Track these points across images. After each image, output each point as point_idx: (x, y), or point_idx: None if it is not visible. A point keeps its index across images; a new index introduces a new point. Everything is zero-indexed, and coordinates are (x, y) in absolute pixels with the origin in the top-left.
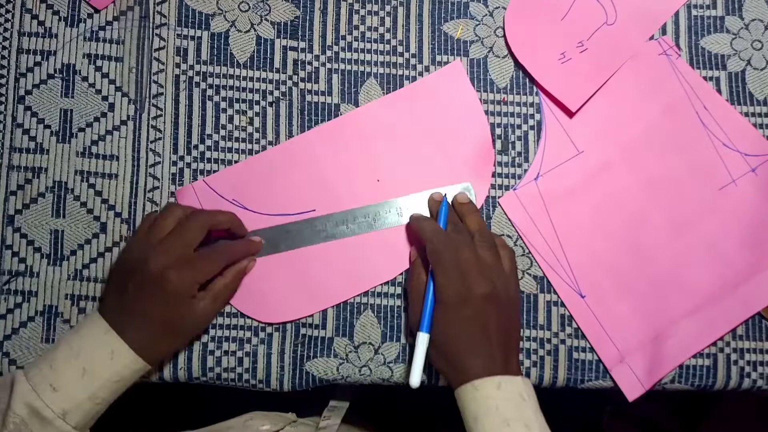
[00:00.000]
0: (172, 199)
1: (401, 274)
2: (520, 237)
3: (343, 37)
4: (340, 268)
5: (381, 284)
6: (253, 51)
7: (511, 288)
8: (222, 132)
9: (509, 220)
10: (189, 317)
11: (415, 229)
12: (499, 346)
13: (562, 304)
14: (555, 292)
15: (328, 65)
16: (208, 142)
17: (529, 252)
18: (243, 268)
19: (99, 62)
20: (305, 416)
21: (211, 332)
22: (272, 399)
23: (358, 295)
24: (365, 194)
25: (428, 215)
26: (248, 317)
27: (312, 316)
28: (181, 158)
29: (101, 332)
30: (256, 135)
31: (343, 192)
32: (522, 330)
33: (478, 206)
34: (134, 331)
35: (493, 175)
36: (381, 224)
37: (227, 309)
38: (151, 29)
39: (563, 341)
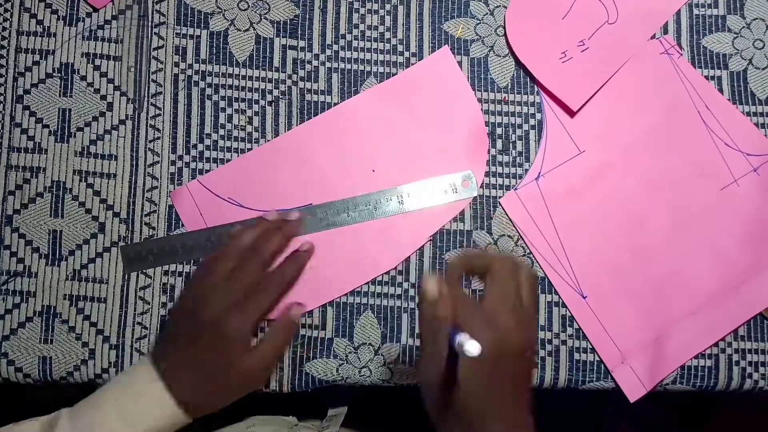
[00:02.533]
0: (169, 200)
1: (402, 263)
2: (521, 237)
3: (343, 36)
4: (341, 259)
5: (381, 285)
6: (253, 50)
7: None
8: (221, 131)
9: (510, 220)
10: (238, 372)
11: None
12: (527, 408)
13: (564, 305)
14: (556, 293)
15: (328, 64)
16: (207, 142)
17: (530, 252)
18: (292, 321)
19: (97, 61)
20: (304, 418)
21: None
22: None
23: (358, 296)
24: (361, 185)
25: (428, 208)
26: None
27: (312, 316)
28: (180, 158)
29: (149, 380)
30: (255, 134)
31: (339, 184)
32: None
33: (476, 192)
34: (184, 384)
35: (494, 175)
36: (382, 212)
37: None
38: (149, 28)
39: (564, 342)
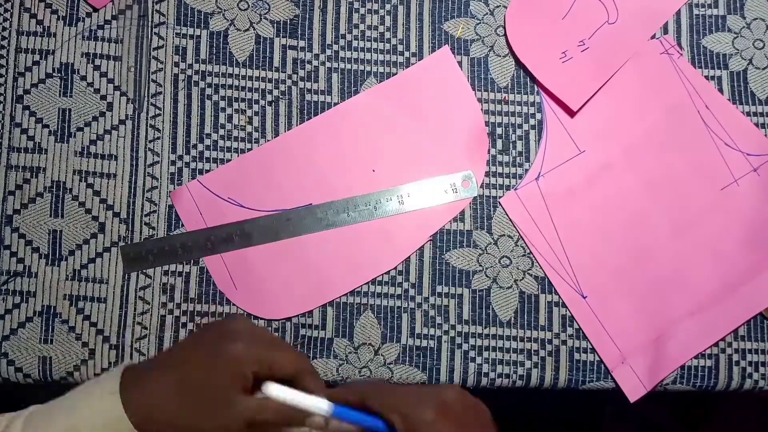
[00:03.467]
0: (169, 200)
1: (402, 263)
2: (521, 237)
3: (343, 36)
4: (341, 259)
5: (381, 285)
6: (253, 50)
7: None
8: (221, 131)
9: (510, 220)
10: (220, 407)
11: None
12: None
13: (564, 305)
14: (556, 293)
15: (328, 64)
16: (207, 142)
17: (530, 252)
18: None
19: (97, 61)
20: None
21: None
22: None
23: (358, 296)
24: (361, 185)
25: (428, 208)
26: (250, 317)
27: (312, 316)
28: (180, 158)
29: (106, 392)
30: (255, 134)
31: (338, 184)
32: (523, 330)
33: (476, 192)
34: (146, 390)
35: (494, 175)
36: (382, 212)
37: (227, 309)
38: (149, 28)
39: (564, 342)
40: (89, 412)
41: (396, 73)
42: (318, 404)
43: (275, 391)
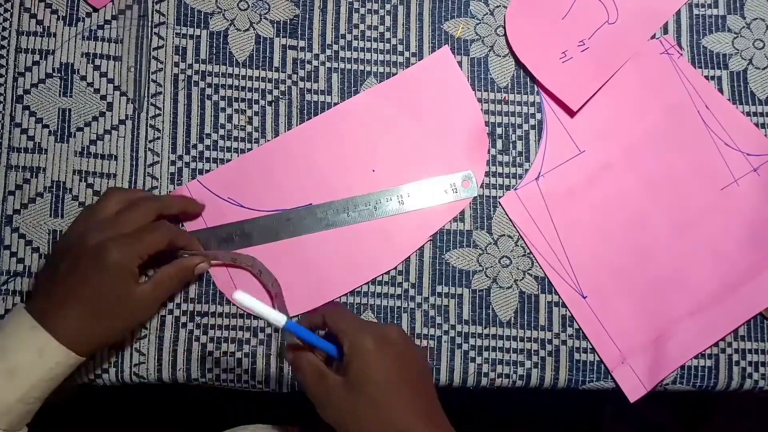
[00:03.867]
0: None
1: (402, 263)
2: (521, 237)
3: (343, 36)
4: (341, 259)
5: (381, 285)
6: (253, 50)
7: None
8: (221, 131)
9: (510, 220)
10: (126, 301)
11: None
12: (434, 401)
13: (563, 305)
14: (556, 293)
15: (328, 64)
16: (207, 142)
17: (530, 252)
18: (193, 265)
19: (97, 61)
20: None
21: (210, 333)
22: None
23: (358, 296)
24: (361, 185)
25: (428, 208)
26: (248, 317)
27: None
28: (180, 158)
29: (26, 329)
30: (255, 134)
31: (338, 184)
32: (523, 330)
33: (477, 192)
34: (64, 318)
35: (494, 175)
36: (382, 212)
37: (226, 309)
38: (149, 28)
39: (564, 342)
40: (19, 349)
41: (396, 73)
42: (276, 317)
43: (241, 298)
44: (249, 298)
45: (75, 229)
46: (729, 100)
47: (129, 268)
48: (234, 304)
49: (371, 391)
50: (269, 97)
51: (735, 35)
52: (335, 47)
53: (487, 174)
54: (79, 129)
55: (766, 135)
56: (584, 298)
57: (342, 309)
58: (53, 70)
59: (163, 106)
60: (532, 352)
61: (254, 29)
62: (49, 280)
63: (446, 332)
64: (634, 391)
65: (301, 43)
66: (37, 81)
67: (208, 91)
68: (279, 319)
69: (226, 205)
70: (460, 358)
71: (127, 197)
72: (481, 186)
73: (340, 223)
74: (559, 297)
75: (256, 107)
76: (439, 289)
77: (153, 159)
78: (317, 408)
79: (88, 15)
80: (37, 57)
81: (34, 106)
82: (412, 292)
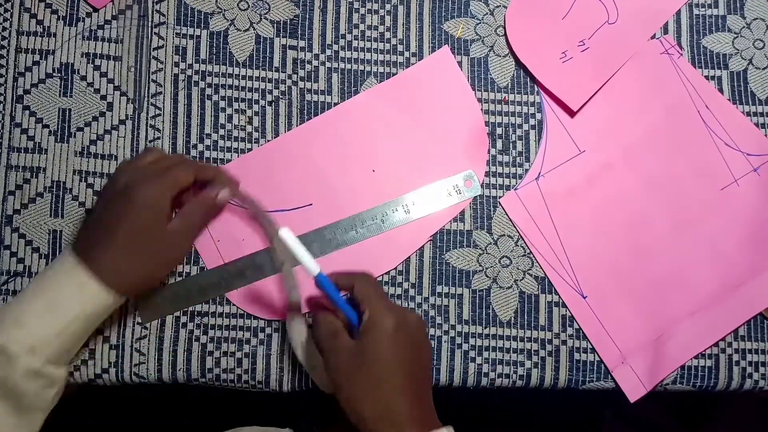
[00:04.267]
0: None
1: (402, 263)
2: (521, 237)
3: (343, 36)
4: (341, 258)
5: (381, 283)
6: (253, 50)
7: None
8: (221, 131)
9: (510, 220)
10: (158, 236)
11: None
12: (427, 396)
13: (564, 305)
14: (556, 293)
15: (328, 64)
16: (207, 142)
17: (530, 252)
18: (214, 195)
19: (97, 61)
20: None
21: (210, 333)
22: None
23: None
24: (361, 185)
25: (431, 209)
26: (248, 317)
27: (312, 316)
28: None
29: (68, 266)
30: (255, 134)
31: (338, 184)
32: (523, 330)
33: (479, 191)
34: (102, 256)
35: (494, 175)
36: (390, 224)
37: (226, 309)
38: (149, 28)
39: (564, 342)
40: (61, 284)
41: (396, 73)
42: (311, 265)
43: (286, 235)
44: (293, 238)
45: (112, 178)
46: (729, 100)
47: (159, 204)
48: (234, 304)
49: (375, 368)
50: (269, 97)
51: (735, 35)
52: (335, 47)
53: (487, 174)
54: (79, 129)
55: (766, 135)
56: (584, 298)
57: (373, 281)
58: (53, 70)
59: (163, 106)
60: (532, 352)
61: (254, 29)
62: (91, 223)
63: (446, 332)
64: (634, 391)
65: (301, 43)
66: (37, 81)
67: (208, 91)
68: (313, 268)
69: (227, 206)
70: (460, 358)
71: (165, 155)
72: (481, 186)
73: (350, 241)
74: (559, 297)
75: (256, 107)
76: (439, 289)
77: None
78: (324, 362)
79: (88, 15)
80: (37, 57)
81: (34, 106)
82: (412, 292)
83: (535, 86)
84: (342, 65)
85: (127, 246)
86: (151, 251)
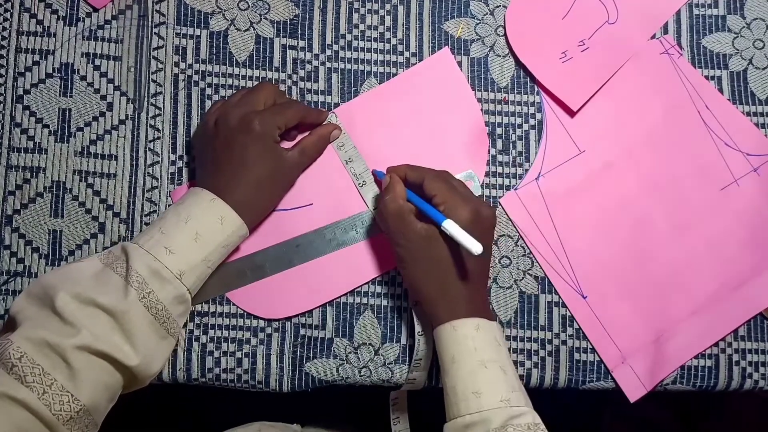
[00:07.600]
0: (169, 200)
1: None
2: (521, 237)
3: (343, 36)
4: (341, 258)
5: (381, 285)
6: (253, 50)
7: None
8: None
9: (510, 219)
10: (281, 166)
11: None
12: (483, 288)
13: (564, 305)
14: (556, 293)
15: (328, 64)
16: None
17: (530, 252)
18: (328, 132)
19: (97, 61)
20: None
21: (210, 333)
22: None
23: (358, 296)
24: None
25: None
26: (248, 317)
27: (312, 316)
28: (180, 158)
29: (207, 200)
30: None
31: (339, 184)
32: (523, 330)
33: (479, 191)
34: (236, 190)
35: (494, 175)
36: None
37: (226, 309)
38: (149, 28)
39: (564, 342)
40: (204, 216)
41: (396, 74)
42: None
43: (449, 226)
44: (454, 227)
45: (213, 115)
46: (729, 100)
47: (273, 137)
48: (234, 304)
49: (441, 254)
50: None
51: (735, 35)
52: (335, 47)
53: (487, 174)
54: (79, 129)
55: (766, 135)
56: (584, 298)
57: (444, 175)
58: (53, 70)
59: (163, 106)
60: (532, 352)
61: (254, 29)
62: (210, 163)
63: None
64: (634, 391)
65: (301, 43)
66: (37, 81)
67: (208, 91)
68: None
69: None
70: None
71: (277, 92)
72: (481, 186)
73: (350, 241)
74: (559, 297)
75: None
76: None
77: (153, 159)
78: (391, 241)
79: (88, 15)
80: (37, 57)
81: (34, 106)
82: None
83: (535, 86)
84: (342, 65)
85: (257, 179)
86: (275, 180)
